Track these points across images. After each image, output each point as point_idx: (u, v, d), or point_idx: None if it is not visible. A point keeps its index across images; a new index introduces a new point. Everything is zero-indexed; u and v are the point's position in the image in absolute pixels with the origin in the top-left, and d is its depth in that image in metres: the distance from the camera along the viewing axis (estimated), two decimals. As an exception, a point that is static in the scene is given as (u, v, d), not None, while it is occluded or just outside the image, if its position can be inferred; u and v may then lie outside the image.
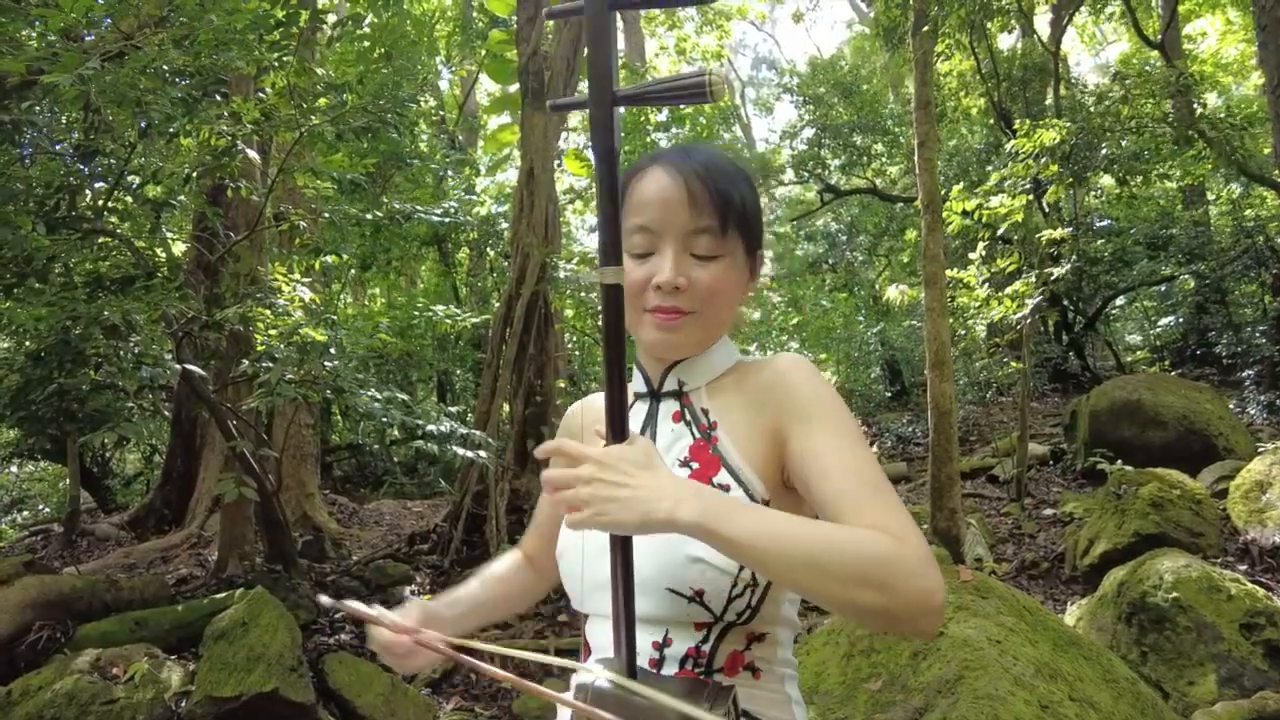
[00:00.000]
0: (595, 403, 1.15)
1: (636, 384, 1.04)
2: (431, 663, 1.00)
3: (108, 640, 3.74)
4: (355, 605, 0.96)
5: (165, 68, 3.68)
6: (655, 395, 1.03)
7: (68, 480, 7.73)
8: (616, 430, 0.80)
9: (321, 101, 4.58)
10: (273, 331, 4.17)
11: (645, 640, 0.89)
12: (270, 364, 3.96)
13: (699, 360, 0.99)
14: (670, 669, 0.90)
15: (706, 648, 0.89)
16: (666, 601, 0.88)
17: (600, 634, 0.96)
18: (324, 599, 1.10)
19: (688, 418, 0.99)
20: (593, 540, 0.93)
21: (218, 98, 4.11)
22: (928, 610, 0.74)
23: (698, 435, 0.96)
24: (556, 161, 8.12)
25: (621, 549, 0.80)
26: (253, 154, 4.49)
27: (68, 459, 7.25)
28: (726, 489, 0.90)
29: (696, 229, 0.93)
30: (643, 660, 0.89)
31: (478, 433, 4.92)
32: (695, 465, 0.94)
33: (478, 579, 1.21)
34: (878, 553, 0.74)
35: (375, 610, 0.96)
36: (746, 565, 0.77)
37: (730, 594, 0.87)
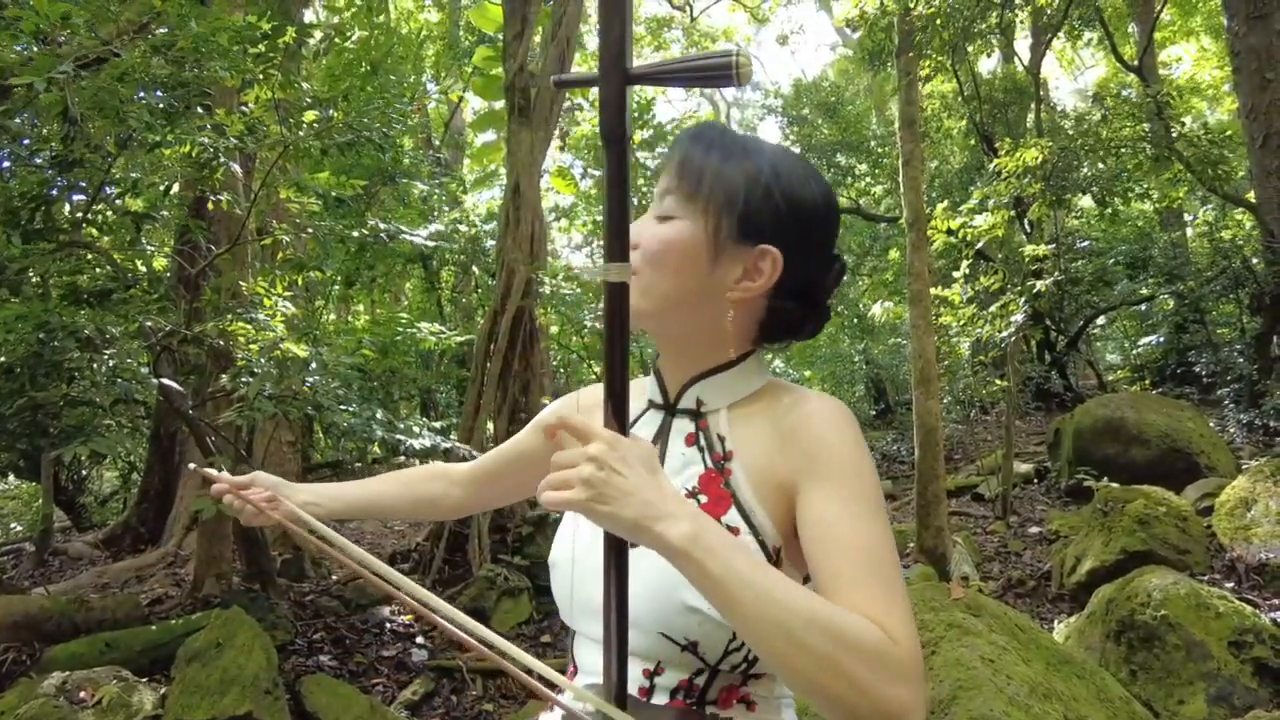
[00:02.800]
0: (593, 394, 1.07)
1: (651, 392, 0.95)
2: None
3: (76, 662, 3.63)
4: (214, 472, 1.08)
5: (146, 77, 3.62)
6: (670, 409, 0.93)
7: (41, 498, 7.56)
8: (619, 428, 0.73)
9: (307, 116, 4.54)
10: (253, 346, 4.10)
11: (636, 668, 0.84)
12: (249, 379, 3.89)
13: (723, 378, 0.89)
14: (660, 699, 0.84)
15: (700, 681, 0.84)
16: (659, 643, 0.83)
17: (587, 655, 0.91)
18: (191, 466, 1.26)
19: (702, 443, 0.89)
20: (584, 561, 0.88)
21: (200, 110, 4.06)
22: None
23: (710, 464, 0.87)
24: (542, 178, 8.12)
25: (616, 561, 0.73)
26: (235, 167, 4.44)
27: (41, 476, 7.09)
28: (736, 531, 0.82)
29: (664, 189, 0.87)
30: (632, 688, 0.83)
31: (463, 446, 4.86)
32: (703, 498, 0.85)
33: (379, 478, 1.19)
34: (864, 643, 0.65)
35: (246, 478, 1.07)
36: (719, 610, 0.69)
37: (727, 647, 0.81)
